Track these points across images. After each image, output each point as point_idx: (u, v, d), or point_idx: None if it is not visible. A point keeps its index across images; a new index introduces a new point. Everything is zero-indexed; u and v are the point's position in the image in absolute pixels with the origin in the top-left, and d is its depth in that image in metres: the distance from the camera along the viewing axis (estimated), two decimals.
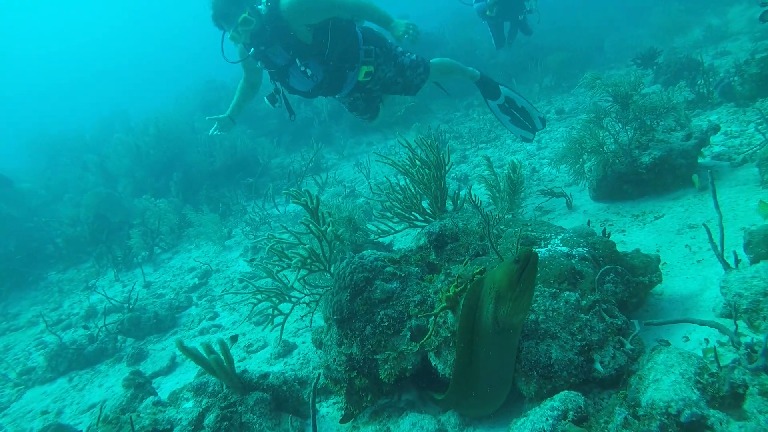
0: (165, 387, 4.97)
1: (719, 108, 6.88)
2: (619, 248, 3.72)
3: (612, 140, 5.23)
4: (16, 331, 7.95)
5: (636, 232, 4.63)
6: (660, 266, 3.60)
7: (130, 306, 6.63)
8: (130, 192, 12.20)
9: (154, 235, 9.39)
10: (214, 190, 10.75)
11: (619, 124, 5.21)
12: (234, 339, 5.15)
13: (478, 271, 3.08)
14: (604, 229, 3.87)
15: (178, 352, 5.40)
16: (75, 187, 13.94)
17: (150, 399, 4.04)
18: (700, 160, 5.18)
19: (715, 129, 5.23)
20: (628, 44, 12.98)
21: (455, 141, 9.78)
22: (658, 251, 4.08)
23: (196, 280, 7.44)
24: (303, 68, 5.26)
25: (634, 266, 3.41)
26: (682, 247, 4.09)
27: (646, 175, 5.03)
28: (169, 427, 3.45)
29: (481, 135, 9.67)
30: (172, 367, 5.39)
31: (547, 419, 2.43)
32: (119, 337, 6.28)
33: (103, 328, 6.32)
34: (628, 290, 3.30)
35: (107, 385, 5.45)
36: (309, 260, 3.71)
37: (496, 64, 13.38)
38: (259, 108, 13.81)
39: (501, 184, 4.57)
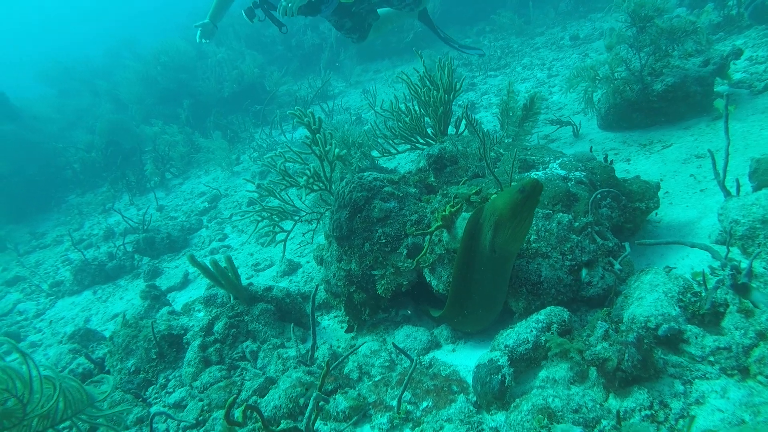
0: (179, 300, 5.24)
1: (748, 31, 6.46)
2: (624, 176, 3.75)
3: (623, 67, 5.10)
4: (44, 248, 8.42)
5: (641, 161, 4.61)
6: (661, 194, 3.63)
7: (145, 227, 6.85)
8: (140, 119, 12.26)
9: (165, 161, 9.53)
10: (222, 117, 10.76)
11: (633, 50, 5.06)
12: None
13: (474, 191, 3.15)
14: (606, 155, 3.88)
15: (191, 269, 5.66)
16: (88, 113, 14.02)
17: (165, 309, 4.30)
18: (717, 88, 4.99)
19: (738, 54, 5.03)
20: None
21: (464, 68, 9.59)
22: (661, 180, 4.08)
23: (206, 204, 7.63)
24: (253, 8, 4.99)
25: (631, 192, 3.45)
26: (687, 176, 4.09)
27: (657, 103, 4.93)
28: (182, 332, 3.69)
29: (491, 62, 9.47)
30: (185, 283, 5.64)
31: (532, 330, 2.57)
32: (136, 256, 6.55)
33: (122, 246, 6.58)
34: (624, 215, 3.35)
35: (127, 298, 5.77)
36: (311, 180, 3.79)
37: None
38: (266, 34, 13.54)
39: (510, 111, 4.52)
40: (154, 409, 3.20)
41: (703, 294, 2.46)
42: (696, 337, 2.31)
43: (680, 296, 2.47)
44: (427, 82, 4.33)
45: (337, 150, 3.90)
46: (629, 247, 2.97)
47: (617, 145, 5.06)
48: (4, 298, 6.96)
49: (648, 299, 2.49)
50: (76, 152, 11.13)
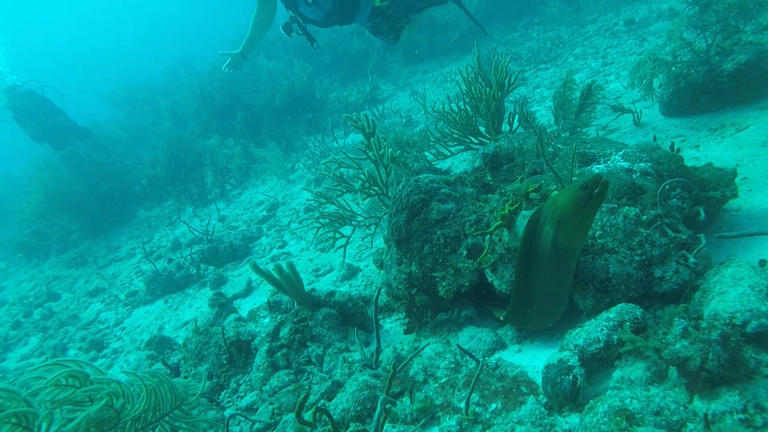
0: (244, 307, 5.38)
1: None
2: (692, 165, 3.55)
3: (687, 49, 4.84)
4: (119, 261, 8.91)
5: (712, 147, 4.34)
6: (738, 180, 3.40)
7: (209, 237, 7.10)
8: (198, 133, 12.73)
9: (224, 173, 9.84)
10: (276, 127, 11.02)
11: (696, 30, 4.80)
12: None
13: (533, 188, 3.08)
14: (672, 143, 3.70)
15: (254, 276, 5.80)
16: (151, 131, 14.70)
17: (232, 316, 4.43)
18: None
19: None
20: None
21: (513, 63, 9.40)
22: (737, 165, 3.83)
23: (265, 213, 7.82)
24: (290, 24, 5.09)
25: (704, 180, 3.27)
26: None
27: (727, 84, 4.62)
28: (249, 338, 3.79)
29: (540, 54, 9.24)
30: (248, 290, 5.80)
31: (602, 329, 2.47)
32: (202, 265, 6.79)
33: (188, 257, 6.85)
34: (697, 206, 3.18)
35: (196, 306, 5.99)
36: (367, 184, 3.81)
37: None
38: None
39: (566, 104, 4.39)
40: (228, 412, 3.29)
41: None
42: None
43: None
44: (480, 78, 4.28)
45: (390, 151, 3.90)
46: (705, 239, 2.82)
47: (684, 131, 4.80)
48: (88, 308, 7.39)
49: (731, 294, 2.33)
50: (142, 169, 11.70)
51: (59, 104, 12.56)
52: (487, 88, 4.09)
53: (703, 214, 3.00)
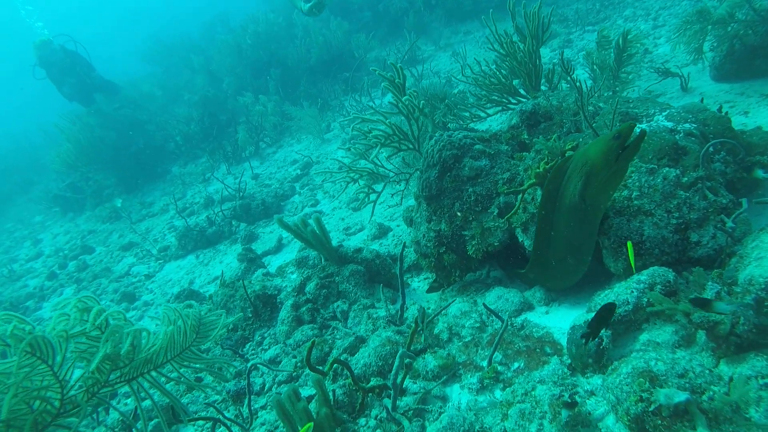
0: (273, 264, 5.45)
1: None
2: (740, 129, 3.39)
3: (745, 8, 4.53)
4: (152, 217, 9.09)
5: (762, 113, 4.11)
6: None
7: (241, 194, 7.18)
8: (233, 90, 12.72)
9: (259, 131, 9.87)
10: (312, 86, 10.92)
11: None
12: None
13: (570, 146, 2.98)
14: (720, 106, 3.52)
15: (285, 234, 5.86)
16: (186, 88, 14.77)
17: (260, 271, 4.49)
18: None
19: None
20: None
21: (559, 24, 9.03)
22: None
23: (299, 171, 7.84)
24: None
25: (751, 144, 3.12)
26: None
27: None
28: (276, 292, 3.84)
29: (589, 16, 8.86)
30: (279, 247, 5.86)
31: (633, 291, 2.41)
32: (233, 222, 6.88)
33: (220, 213, 6.95)
34: (742, 170, 3.04)
35: (226, 261, 6.10)
36: (395, 138, 3.74)
37: None
38: (353, 0, 13.48)
39: (599, 60, 4.20)
40: (253, 363, 3.38)
41: None
42: None
43: None
44: (514, 33, 4.11)
45: (422, 102, 3.81)
46: (747, 203, 2.70)
47: (733, 97, 4.57)
48: (121, 261, 7.61)
49: None
50: (176, 125, 11.79)
51: (87, 58, 12.26)
52: (521, 44, 3.92)
53: (761, 173, 2.87)
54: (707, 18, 4.72)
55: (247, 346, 3.68)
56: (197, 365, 2.21)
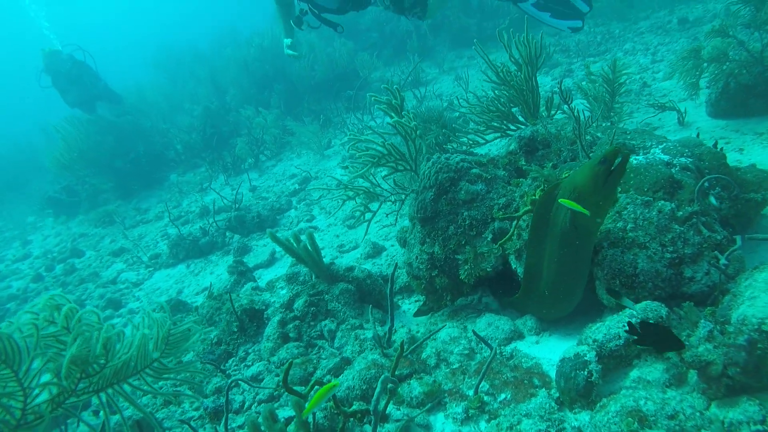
0: (265, 277, 5.40)
1: None
2: (735, 165, 3.39)
3: (739, 49, 4.60)
4: (146, 223, 9.06)
5: (757, 151, 4.15)
6: None
7: (237, 206, 7.14)
8: (237, 103, 12.78)
9: (259, 144, 9.88)
10: (315, 102, 10.97)
11: (749, 29, 4.56)
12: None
13: (566, 175, 2.97)
14: (716, 142, 3.52)
15: (278, 248, 5.81)
16: (191, 98, 14.85)
17: (249, 284, 4.43)
18: None
19: None
20: None
21: (561, 54, 9.13)
22: None
23: (297, 186, 7.82)
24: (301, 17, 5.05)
25: (745, 181, 3.10)
26: None
27: None
28: (263, 307, 3.79)
29: (590, 48, 8.96)
30: (271, 261, 5.81)
31: (624, 325, 2.37)
32: (227, 233, 6.84)
33: (213, 224, 6.91)
34: (736, 207, 3.03)
35: (217, 272, 6.04)
36: (391, 158, 3.73)
37: None
38: (361, 21, 13.61)
39: (599, 88, 4.21)
40: (234, 379, 3.31)
41: None
42: None
43: None
44: (510, 62, 4.12)
45: (414, 124, 3.80)
46: (741, 240, 2.68)
47: (728, 133, 4.59)
48: (110, 267, 7.53)
49: (762, 299, 2.20)
50: (178, 134, 11.82)
51: (94, 68, 12.44)
52: (518, 72, 3.93)
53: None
54: (701, 56, 4.77)
55: (230, 361, 3.60)
56: (167, 377, 2.14)
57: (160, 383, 2.40)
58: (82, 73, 11.78)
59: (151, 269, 6.83)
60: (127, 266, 7.27)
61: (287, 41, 5.88)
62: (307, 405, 2.09)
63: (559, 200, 2.57)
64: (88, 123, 11.39)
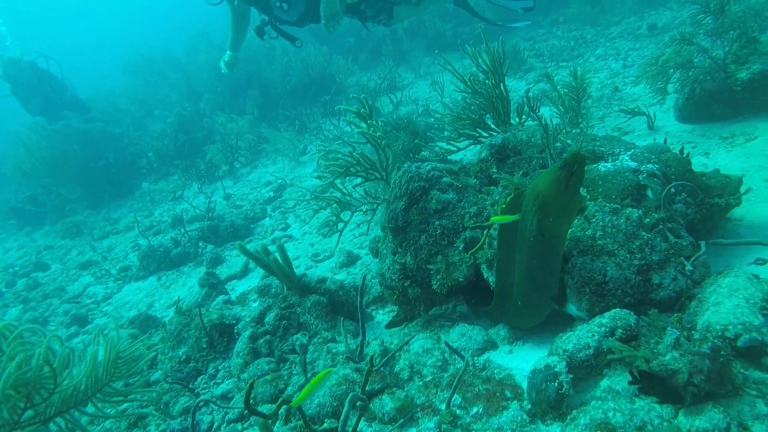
0: (238, 289, 5.32)
1: None
2: (700, 171, 3.44)
3: (703, 56, 4.70)
4: (116, 234, 8.85)
5: (721, 155, 4.24)
6: (743, 189, 3.31)
7: (210, 215, 7.04)
8: (212, 108, 12.62)
9: (234, 151, 9.77)
10: (291, 108, 10.88)
11: (712, 37, 4.66)
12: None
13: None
14: (682, 147, 3.57)
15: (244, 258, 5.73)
16: (164, 103, 14.62)
17: (221, 297, 4.35)
18: None
19: None
20: None
21: (535, 59, 9.22)
22: (743, 175, 3.73)
23: (272, 193, 7.74)
24: (279, 2, 5.08)
25: (710, 186, 3.15)
26: None
27: (741, 93, 4.51)
28: (234, 322, 3.72)
29: (563, 53, 9.06)
30: (245, 272, 5.73)
31: (593, 335, 2.38)
32: (200, 243, 6.73)
33: (185, 234, 6.79)
34: (701, 212, 3.07)
35: (189, 284, 5.93)
36: (361, 167, 3.70)
37: None
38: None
39: (564, 98, 4.25)
40: (201, 399, 3.24)
41: None
42: None
43: (763, 303, 2.20)
44: (478, 71, 4.13)
45: (375, 131, 3.78)
46: (705, 246, 2.71)
47: (695, 138, 4.69)
48: (77, 281, 7.33)
49: (726, 305, 2.24)
50: (150, 141, 11.60)
51: (60, 76, 12.08)
52: (487, 81, 3.93)
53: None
54: (664, 62, 4.85)
55: (200, 379, 3.51)
56: (118, 399, 2.06)
57: (125, 405, 2.32)
58: (45, 82, 11.41)
59: (120, 282, 6.66)
60: (95, 279, 7.08)
61: (228, 54, 5.86)
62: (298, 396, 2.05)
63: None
64: (53, 130, 11.03)
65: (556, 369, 2.30)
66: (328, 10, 4.92)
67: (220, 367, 3.55)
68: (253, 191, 8.35)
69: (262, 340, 3.40)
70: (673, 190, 2.91)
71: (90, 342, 2.10)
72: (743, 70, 4.47)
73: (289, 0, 5.18)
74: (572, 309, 2.58)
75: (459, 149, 4.46)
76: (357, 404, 2.23)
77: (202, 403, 2.96)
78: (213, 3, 5.47)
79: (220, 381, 3.45)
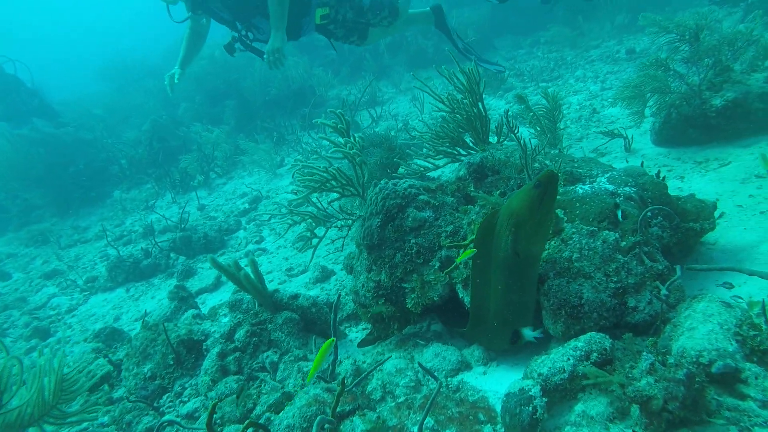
0: (209, 302, 5.19)
1: None
2: (676, 194, 3.48)
3: (679, 82, 4.79)
4: (85, 243, 8.58)
5: (696, 179, 4.31)
6: (717, 214, 3.35)
7: (183, 226, 6.89)
8: (189, 117, 12.44)
9: (210, 161, 9.63)
10: (269, 119, 10.79)
11: (688, 64, 4.75)
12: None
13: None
14: (659, 171, 3.61)
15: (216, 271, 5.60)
16: (139, 110, 14.37)
17: (191, 312, 4.23)
18: None
19: None
20: None
21: (516, 79, 9.32)
22: (717, 199, 3.79)
23: (247, 205, 7.63)
24: (245, 31, 5.11)
25: (685, 211, 3.18)
26: (746, 197, 3.77)
27: (715, 120, 4.60)
28: (203, 338, 3.61)
29: (543, 74, 9.17)
30: (217, 285, 5.61)
31: (569, 359, 2.35)
32: (172, 255, 6.57)
33: (156, 245, 6.62)
34: (676, 236, 3.09)
35: (159, 297, 5.77)
36: (337, 183, 3.65)
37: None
38: (319, 38, 13.58)
39: (542, 119, 4.29)
40: (165, 419, 3.11)
41: (764, 327, 2.21)
42: (756, 378, 2.06)
43: (737, 329, 2.21)
44: (455, 90, 4.14)
45: (351, 148, 3.74)
46: (680, 270, 2.72)
47: (671, 161, 4.75)
48: (40, 291, 7.06)
49: (701, 330, 2.24)
50: (123, 148, 11.35)
51: (29, 83, 11.69)
52: (465, 100, 3.93)
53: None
54: (643, 86, 4.92)
55: (165, 397, 3.39)
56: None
57: (85, 425, 2.21)
58: (10, 87, 11.06)
59: (86, 293, 6.44)
60: (59, 290, 6.83)
61: (176, 70, 5.74)
62: None
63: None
64: (18, 134, 10.63)
65: (530, 393, 2.26)
66: (271, 44, 4.87)
67: (186, 385, 3.43)
68: (228, 202, 8.22)
69: (231, 358, 3.30)
70: (649, 213, 2.92)
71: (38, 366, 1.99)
72: (717, 97, 4.56)
73: (257, 27, 5.17)
74: (528, 333, 2.56)
75: (437, 167, 4.44)
76: (325, 427, 2.15)
77: (166, 423, 2.84)
78: (177, 21, 5.36)
79: (186, 399, 3.33)
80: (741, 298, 2.70)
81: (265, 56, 4.89)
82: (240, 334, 3.41)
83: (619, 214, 2.86)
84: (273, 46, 4.90)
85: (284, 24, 4.92)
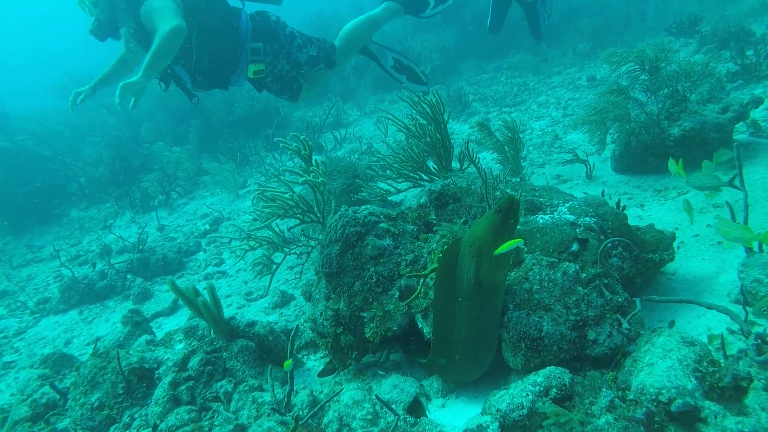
0: (165, 327, 5.02)
1: (767, 81, 6.38)
2: (636, 223, 3.51)
3: (639, 111, 4.90)
4: (39, 263, 8.25)
5: (656, 208, 4.38)
6: (675, 245, 3.39)
7: (140, 247, 6.67)
8: (152, 136, 12.21)
9: (171, 181, 9.42)
10: (233, 140, 10.64)
11: (647, 93, 4.87)
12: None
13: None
14: (619, 200, 3.64)
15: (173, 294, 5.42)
16: (100, 128, 14.03)
17: (144, 337, 4.06)
18: (736, 136, 4.80)
19: (758, 102, 4.83)
20: (673, 10, 12.19)
21: (479, 103, 9.45)
22: (676, 229, 3.84)
23: (207, 227, 7.46)
24: (167, 76, 4.99)
25: (645, 241, 3.20)
26: (704, 226, 3.84)
27: (673, 148, 4.71)
28: (155, 366, 3.45)
29: (506, 99, 9.32)
30: (174, 308, 5.44)
31: (528, 394, 2.31)
32: (128, 276, 6.35)
33: (111, 267, 6.39)
34: (636, 267, 3.11)
35: (113, 320, 5.55)
36: (298, 209, 3.57)
37: (524, 27, 12.71)
38: None
39: (505, 145, 4.33)
40: None
41: (723, 362, 2.20)
42: (715, 417, 2.03)
43: (697, 365, 2.20)
44: (418, 114, 4.14)
45: (317, 177, 3.69)
46: (640, 303, 2.71)
47: (631, 189, 4.83)
48: None
49: (660, 367, 2.22)
50: (82, 166, 11.05)
51: None
52: (429, 126, 3.94)
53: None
54: (605, 113, 5.01)
55: (112, 428, 3.22)
56: None
57: None
58: None
59: (37, 315, 6.16)
60: (8, 312, 6.51)
61: (85, 89, 5.14)
62: None
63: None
64: None
65: (488, 430, 2.20)
66: (134, 80, 4.42)
67: (136, 416, 3.27)
68: (189, 223, 8.03)
69: (183, 387, 3.16)
70: (609, 244, 2.92)
71: None
72: (675, 127, 4.67)
73: (180, 71, 5.06)
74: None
75: (399, 191, 4.41)
76: None
77: None
78: (99, 39, 4.96)
79: (135, 431, 3.16)
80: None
81: (120, 85, 4.38)
82: (194, 362, 3.27)
83: (575, 246, 2.85)
84: (134, 82, 4.43)
85: (154, 74, 4.66)
